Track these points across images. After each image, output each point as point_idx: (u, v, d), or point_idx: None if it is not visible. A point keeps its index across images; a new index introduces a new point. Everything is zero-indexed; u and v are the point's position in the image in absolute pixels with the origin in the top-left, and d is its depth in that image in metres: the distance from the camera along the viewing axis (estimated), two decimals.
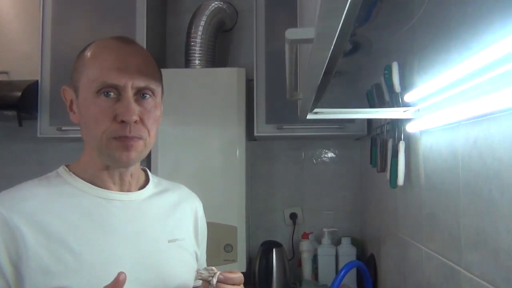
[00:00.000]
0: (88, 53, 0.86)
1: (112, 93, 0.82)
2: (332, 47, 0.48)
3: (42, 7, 1.90)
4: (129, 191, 0.91)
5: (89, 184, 0.87)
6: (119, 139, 0.82)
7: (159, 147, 1.92)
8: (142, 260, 0.86)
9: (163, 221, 0.95)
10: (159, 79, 0.91)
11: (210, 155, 1.90)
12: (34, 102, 1.87)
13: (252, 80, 1.94)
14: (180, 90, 1.93)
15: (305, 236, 2.03)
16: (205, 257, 1.14)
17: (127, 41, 0.88)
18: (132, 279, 0.82)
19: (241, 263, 1.87)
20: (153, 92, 0.86)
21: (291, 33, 0.51)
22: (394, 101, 1.27)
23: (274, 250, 1.89)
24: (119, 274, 0.72)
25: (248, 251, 2.02)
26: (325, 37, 0.44)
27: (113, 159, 0.84)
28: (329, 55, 0.51)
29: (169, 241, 0.93)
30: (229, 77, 1.93)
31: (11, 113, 1.85)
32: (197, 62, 2.00)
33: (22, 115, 1.85)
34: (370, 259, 1.83)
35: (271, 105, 1.89)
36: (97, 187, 0.87)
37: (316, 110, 1.14)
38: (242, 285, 0.87)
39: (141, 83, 0.83)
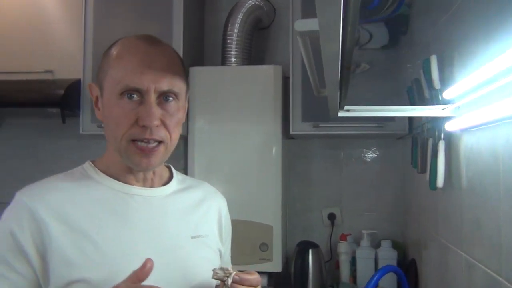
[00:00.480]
0: (113, 53, 0.86)
1: (135, 96, 0.81)
2: (340, 38, 0.44)
3: (84, 8, 1.95)
4: (151, 187, 0.91)
5: (112, 179, 0.88)
6: (139, 146, 0.82)
7: (195, 145, 1.93)
8: (163, 255, 0.85)
9: (186, 217, 0.94)
10: (184, 80, 0.89)
11: (246, 153, 1.89)
12: (77, 100, 1.93)
13: (289, 77, 1.90)
14: (217, 88, 1.92)
15: (343, 237, 1.97)
16: (230, 255, 1.12)
17: (153, 41, 0.86)
18: (152, 274, 0.81)
19: (277, 263, 1.84)
20: (176, 96, 0.85)
21: (299, 25, 0.48)
22: (434, 98, 1.19)
23: (310, 250, 1.85)
24: (147, 260, 0.72)
25: (285, 251, 1.99)
26: (329, 27, 0.41)
27: (133, 164, 0.85)
28: (340, 47, 0.47)
29: (192, 238, 0.92)
30: (265, 75, 1.90)
31: (55, 110, 1.92)
32: (233, 59, 1.99)
33: (65, 113, 1.91)
34: (411, 264, 1.74)
35: (307, 103, 1.85)
36: (120, 183, 0.88)
37: (347, 107, 1.09)
38: (259, 287, 0.84)
39: (164, 86, 0.82)
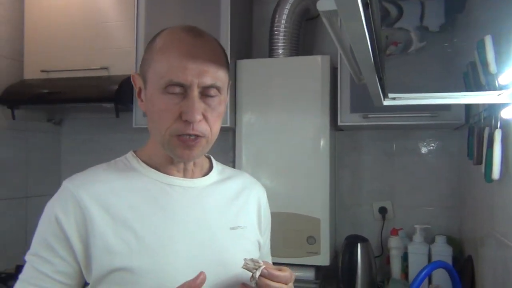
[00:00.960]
0: (157, 45, 0.85)
1: (178, 90, 0.81)
2: (362, 17, 0.42)
3: (136, 6, 2.01)
4: (191, 177, 0.92)
5: (153, 170, 0.89)
6: (181, 138, 0.82)
7: (243, 137, 1.94)
8: (202, 246, 0.86)
9: (225, 208, 0.94)
10: (226, 72, 0.89)
11: (294, 145, 1.87)
12: (130, 95, 2.00)
13: (337, 68, 1.86)
14: (264, 80, 1.92)
15: (394, 232, 1.91)
16: (269, 247, 1.11)
17: (196, 33, 0.85)
18: (190, 264, 0.83)
19: (325, 256, 1.81)
20: (218, 90, 0.85)
21: (321, 4, 0.46)
22: (490, 83, 1.11)
23: (359, 244, 1.80)
24: (200, 273, 0.74)
25: (333, 244, 1.96)
26: (346, 4, 0.39)
27: (175, 156, 0.86)
28: (366, 27, 0.45)
29: (231, 229, 0.92)
30: (313, 65, 1.87)
31: (109, 105, 2.00)
32: (280, 51, 1.97)
33: (119, 107, 1.99)
34: (467, 261, 1.65)
35: (356, 94, 1.80)
36: (161, 173, 0.89)
37: (392, 95, 1.04)
38: (291, 284, 0.83)
39: (207, 81, 0.82)
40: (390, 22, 0.60)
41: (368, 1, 0.45)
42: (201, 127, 0.83)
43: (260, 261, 0.79)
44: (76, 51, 2.17)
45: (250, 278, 0.77)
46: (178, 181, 0.90)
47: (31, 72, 2.21)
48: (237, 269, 0.88)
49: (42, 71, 2.18)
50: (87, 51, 2.16)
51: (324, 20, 0.50)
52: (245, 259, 0.80)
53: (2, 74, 2.18)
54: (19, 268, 1.99)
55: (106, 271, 0.80)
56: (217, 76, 0.84)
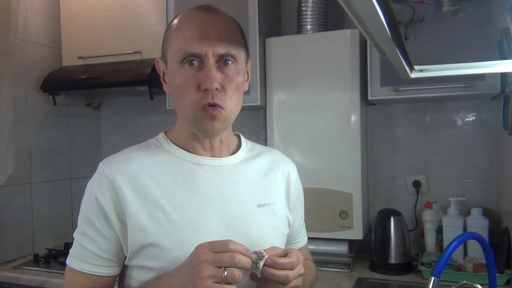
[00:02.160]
0: (173, 25, 0.90)
1: (195, 62, 0.85)
2: None
3: None
4: (219, 156, 0.95)
5: (182, 150, 0.93)
6: (205, 109, 0.85)
7: (274, 115, 1.96)
8: (229, 223, 0.89)
9: (254, 185, 0.96)
10: (242, 45, 0.91)
11: (325, 121, 1.88)
12: None
13: (367, 41, 1.83)
14: (293, 57, 1.92)
15: (428, 205, 1.89)
16: (303, 224, 1.12)
17: (209, 9, 0.90)
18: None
19: (358, 231, 1.83)
20: (235, 58, 0.88)
21: None
22: None
23: (392, 218, 1.80)
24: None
25: (366, 219, 1.97)
26: None
27: (200, 129, 0.89)
28: (376, 2, 0.46)
29: (259, 206, 0.95)
30: (342, 40, 1.86)
31: (143, 88, 2.06)
32: (309, 27, 1.96)
33: (152, 90, 2.05)
34: (504, 233, 1.63)
35: (386, 67, 1.77)
36: (189, 153, 0.93)
37: (419, 67, 1.03)
38: (300, 267, 0.82)
39: (221, 50, 0.85)
40: None
41: None
42: (220, 97, 0.85)
43: (263, 252, 0.79)
44: (110, 37, 2.24)
45: (255, 269, 0.78)
46: (207, 160, 0.93)
47: (69, 59, 2.31)
48: (265, 245, 0.90)
49: (79, 57, 2.26)
50: (120, 36, 2.23)
51: None
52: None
53: (43, 62, 2.28)
54: (67, 245, 2.15)
55: (139, 246, 0.85)
56: (232, 45, 0.87)
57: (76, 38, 2.31)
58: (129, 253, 0.87)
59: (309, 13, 1.96)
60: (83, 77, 2.17)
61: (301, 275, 0.83)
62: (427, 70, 1.07)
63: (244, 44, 0.92)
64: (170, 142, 0.95)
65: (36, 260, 2.03)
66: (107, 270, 0.89)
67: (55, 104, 2.25)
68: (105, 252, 0.88)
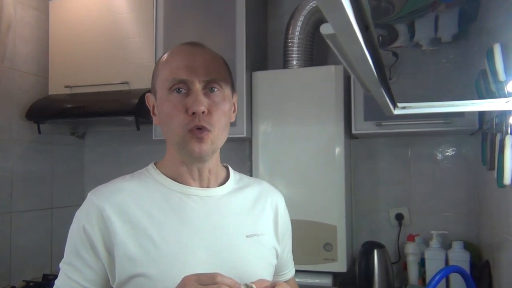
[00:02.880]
0: (162, 60, 0.96)
1: (183, 89, 0.89)
2: (360, 40, 0.46)
3: (155, 23, 2.09)
4: (208, 187, 0.96)
5: (171, 180, 0.94)
6: (192, 131, 0.88)
7: (259, 146, 1.99)
8: (217, 254, 0.90)
9: (242, 216, 0.97)
10: (227, 75, 0.96)
11: (309, 154, 1.91)
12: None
13: (351, 76, 1.89)
14: (279, 90, 1.97)
15: (411, 238, 1.92)
16: (290, 255, 1.13)
17: (196, 44, 0.96)
18: (206, 271, 0.85)
19: (342, 263, 1.84)
20: (220, 86, 0.92)
21: (324, 28, 0.51)
22: (500, 90, 1.14)
23: (375, 251, 1.82)
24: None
25: (350, 251, 1.98)
26: (343, 30, 0.43)
27: (187, 152, 0.90)
28: (365, 49, 0.50)
29: (247, 236, 0.95)
30: (326, 75, 1.91)
31: (130, 118, 2.07)
32: (294, 62, 2.02)
33: (139, 120, 2.06)
34: (484, 267, 1.66)
35: (370, 102, 1.83)
36: (178, 183, 0.94)
37: (402, 104, 1.08)
38: None
39: (207, 76, 0.90)
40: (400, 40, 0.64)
41: (368, 24, 0.49)
42: (207, 120, 0.88)
43: (253, 286, 0.80)
44: (98, 67, 2.26)
45: None
46: (195, 191, 0.94)
47: (56, 88, 2.31)
48: (253, 277, 0.90)
49: (66, 86, 2.27)
50: (108, 66, 2.25)
51: (328, 41, 0.55)
52: (239, 285, 0.80)
53: (29, 90, 2.28)
54: (45, 277, 2.10)
55: (127, 276, 0.85)
56: (217, 73, 0.92)
57: (63, 67, 2.32)
58: (116, 284, 0.86)
59: (295, 48, 2.02)
60: (70, 105, 2.17)
61: None
62: (409, 107, 1.12)
63: (229, 76, 0.97)
64: (160, 173, 0.96)
65: None
66: None
67: (39, 132, 2.24)
68: (91, 283, 0.87)
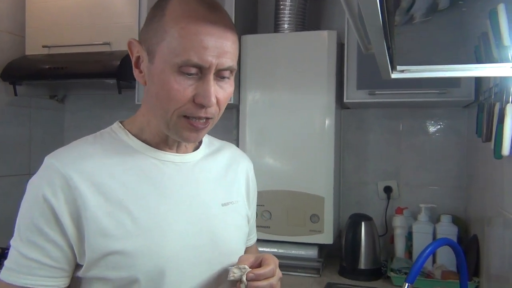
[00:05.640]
0: (169, 15, 0.76)
1: (194, 71, 0.75)
2: None
3: None
4: (184, 152, 0.88)
5: (144, 144, 0.84)
6: (191, 121, 0.77)
7: (247, 115, 1.91)
8: (195, 225, 0.83)
9: (217, 183, 0.91)
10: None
11: (298, 123, 1.84)
12: (132, 71, 1.97)
13: (344, 44, 1.81)
14: (269, 56, 1.88)
15: (399, 211, 1.89)
16: (255, 219, 1.08)
17: (211, 5, 0.77)
18: (185, 244, 0.81)
19: (328, 235, 1.80)
20: (232, 72, 0.80)
21: None
22: (503, 56, 1.07)
23: (362, 223, 1.78)
24: None
25: (337, 223, 1.94)
26: None
27: (179, 137, 0.81)
28: None
29: (223, 205, 0.90)
30: (319, 41, 1.83)
31: (111, 81, 1.97)
32: (286, 26, 1.92)
33: (121, 84, 1.96)
34: (472, 241, 1.63)
35: (363, 70, 1.76)
36: (153, 148, 0.84)
37: (401, 67, 1.01)
38: (278, 270, 0.82)
39: (226, 63, 0.76)
40: None
41: None
42: (213, 110, 0.78)
43: (246, 267, 0.78)
44: (78, 26, 2.13)
45: (238, 284, 0.77)
46: (171, 157, 0.85)
47: (33, 48, 2.18)
48: (229, 246, 0.89)
49: (44, 46, 2.14)
50: (89, 26, 2.12)
51: None
52: (230, 269, 0.78)
53: (4, 49, 2.15)
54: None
55: (100, 254, 0.75)
56: (234, 56, 0.79)
57: (41, 26, 2.18)
58: (87, 263, 0.75)
59: (286, 12, 1.92)
60: (47, 66, 2.05)
61: (280, 278, 0.82)
62: (408, 71, 1.04)
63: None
64: (130, 135, 0.84)
65: None
66: (57, 281, 0.76)
67: (15, 94, 2.12)
68: (54, 260, 0.75)
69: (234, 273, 0.77)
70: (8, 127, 2.18)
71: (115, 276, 0.76)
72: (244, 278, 0.76)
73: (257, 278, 0.77)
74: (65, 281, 0.78)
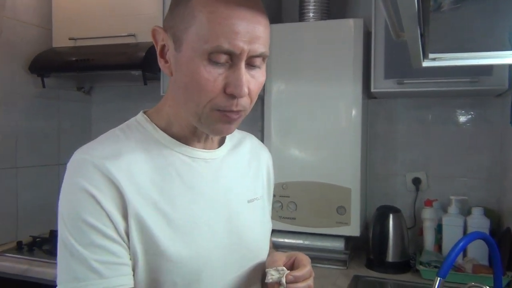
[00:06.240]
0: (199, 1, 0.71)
1: (224, 59, 0.70)
2: None
3: None
4: (211, 148, 0.85)
5: (173, 140, 0.80)
6: (224, 113, 0.73)
7: (272, 106, 1.89)
8: (225, 224, 0.82)
9: (242, 180, 0.89)
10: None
11: (324, 113, 1.81)
12: (157, 62, 1.97)
13: (371, 32, 1.76)
14: (294, 45, 1.85)
15: (428, 203, 1.84)
16: (271, 211, 1.04)
17: None
18: (216, 244, 0.79)
19: (355, 227, 1.77)
20: (264, 59, 0.75)
21: None
22: None
23: (390, 215, 1.75)
24: None
25: (364, 215, 1.91)
26: None
27: (211, 130, 0.77)
28: None
29: (248, 201, 0.88)
30: (345, 29, 1.78)
31: (137, 73, 1.98)
32: (311, 15, 1.88)
33: (146, 75, 1.97)
34: (505, 234, 1.58)
35: (391, 59, 1.70)
36: (183, 144, 0.80)
37: (433, 55, 0.97)
38: (312, 270, 0.82)
39: (259, 49, 0.71)
40: None
41: None
42: (244, 101, 0.73)
43: (283, 268, 0.78)
44: (103, 18, 2.15)
45: (277, 286, 0.76)
46: (200, 153, 0.82)
47: (60, 40, 2.21)
48: (256, 244, 0.88)
49: (70, 38, 2.17)
50: (114, 18, 2.14)
51: None
52: (268, 271, 0.77)
53: (32, 42, 2.18)
54: (52, 233, 2.06)
55: (140, 254, 0.72)
56: (266, 42, 0.73)
57: (67, 18, 2.21)
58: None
59: (311, 0, 1.88)
60: (74, 58, 2.07)
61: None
62: (440, 59, 1.00)
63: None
64: (157, 129, 0.80)
65: (19, 248, 1.95)
66: (129, 279, 0.72)
67: (43, 86, 2.16)
68: (118, 256, 0.70)
69: (273, 275, 0.76)
70: (37, 119, 2.23)
71: (154, 278, 0.73)
72: (283, 280, 0.75)
73: (296, 280, 0.76)
74: (132, 279, 0.73)
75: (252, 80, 0.73)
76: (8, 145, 2.05)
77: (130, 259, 0.73)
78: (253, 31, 0.70)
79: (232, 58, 0.70)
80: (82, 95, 2.50)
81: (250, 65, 0.73)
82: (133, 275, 0.73)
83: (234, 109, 0.73)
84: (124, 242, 0.71)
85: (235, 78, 0.70)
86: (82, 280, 0.68)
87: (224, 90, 0.71)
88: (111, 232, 0.70)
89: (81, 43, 2.16)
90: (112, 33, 2.10)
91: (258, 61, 0.73)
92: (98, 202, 0.69)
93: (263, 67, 0.76)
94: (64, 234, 0.70)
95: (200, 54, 0.70)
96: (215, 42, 0.68)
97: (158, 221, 0.73)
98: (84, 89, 2.50)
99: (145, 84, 1.98)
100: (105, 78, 2.43)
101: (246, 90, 0.71)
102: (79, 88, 2.48)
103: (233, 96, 0.71)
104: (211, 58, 0.69)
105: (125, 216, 0.71)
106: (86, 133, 2.52)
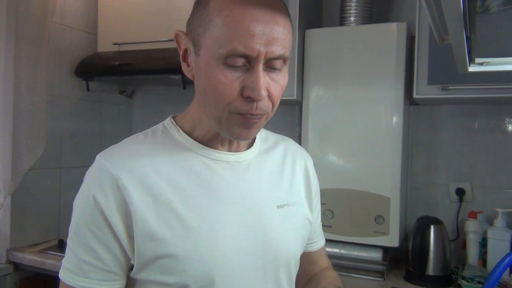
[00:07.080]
0: (215, 2, 0.71)
1: (240, 62, 0.70)
2: None
3: None
4: (237, 150, 0.84)
5: (196, 142, 0.80)
6: (243, 116, 0.73)
7: (310, 111, 1.87)
8: (248, 228, 0.80)
9: (272, 184, 0.86)
10: (292, 38, 0.76)
11: (364, 119, 1.77)
12: None
13: (414, 36, 1.71)
14: (334, 50, 1.82)
15: (472, 215, 1.76)
16: (320, 221, 1.02)
17: None
18: (236, 249, 0.77)
19: (393, 237, 1.72)
20: (285, 61, 0.73)
21: None
22: None
23: (432, 226, 1.68)
24: None
25: (403, 225, 1.85)
26: None
27: (231, 135, 0.76)
28: None
29: (278, 207, 0.85)
30: (387, 34, 1.74)
31: (177, 77, 2.01)
32: (352, 19, 1.85)
33: (185, 79, 1.99)
34: None
35: (435, 64, 1.64)
36: (205, 146, 0.80)
37: (480, 60, 0.92)
38: None
39: (276, 51, 0.70)
40: None
41: None
42: (264, 105, 0.72)
43: None
44: (145, 23, 2.19)
45: None
46: (224, 156, 0.81)
47: (104, 45, 2.28)
48: (285, 252, 0.84)
49: (115, 43, 2.23)
50: (156, 23, 2.18)
51: None
52: None
53: (78, 47, 2.26)
54: None
55: (149, 258, 0.73)
56: (286, 44, 0.71)
57: (112, 24, 2.27)
58: (136, 265, 0.75)
59: (353, 4, 1.85)
60: (117, 63, 2.13)
61: None
62: (488, 63, 0.95)
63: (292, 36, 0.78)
64: (182, 132, 0.81)
65: (61, 246, 2.02)
66: (110, 285, 0.75)
67: (88, 90, 2.23)
68: (106, 264, 0.74)
69: None
70: (81, 121, 2.30)
71: (164, 281, 0.74)
72: None
73: None
74: (119, 284, 0.76)
75: (272, 83, 0.72)
76: (53, 145, 2.13)
77: (132, 261, 0.75)
78: (270, 33, 0.68)
79: (250, 61, 0.70)
80: (124, 98, 2.57)
81: (269, 67, 0.72)
82: (138, 275, 0.75)
83: (253, 112, 0.72)
84: (118, 248, 0.74)
85: (252, 81, 0.70)
86: (70, 271, 0.75)
87: (242, 93, 0.71)
88: (106, 238, 0.73)
89: (124, 48, 2.22)
90: (154, 38, 2.14)
91: (278, 63, 0.72)
92: (99, 207, 0.72)
93: (285, 69, 0.75)
94: (71, 226, 0.77)
95: (216, 58, 0.70)
96: (230, 46, 0.68)
97: (169, 222, 0.73)
98: (126, 92, 2.56)
99: (184, 88, 2.01)
100: (146, 82, 2.49)
101: (264, 93, 0.70)
102: (122, 91, 2.55)
103: (251, 100, 0.71)
104: (227, 62, 0.69)
105: (128, 221, 0.73)
106: (127, 135, 2.56)
